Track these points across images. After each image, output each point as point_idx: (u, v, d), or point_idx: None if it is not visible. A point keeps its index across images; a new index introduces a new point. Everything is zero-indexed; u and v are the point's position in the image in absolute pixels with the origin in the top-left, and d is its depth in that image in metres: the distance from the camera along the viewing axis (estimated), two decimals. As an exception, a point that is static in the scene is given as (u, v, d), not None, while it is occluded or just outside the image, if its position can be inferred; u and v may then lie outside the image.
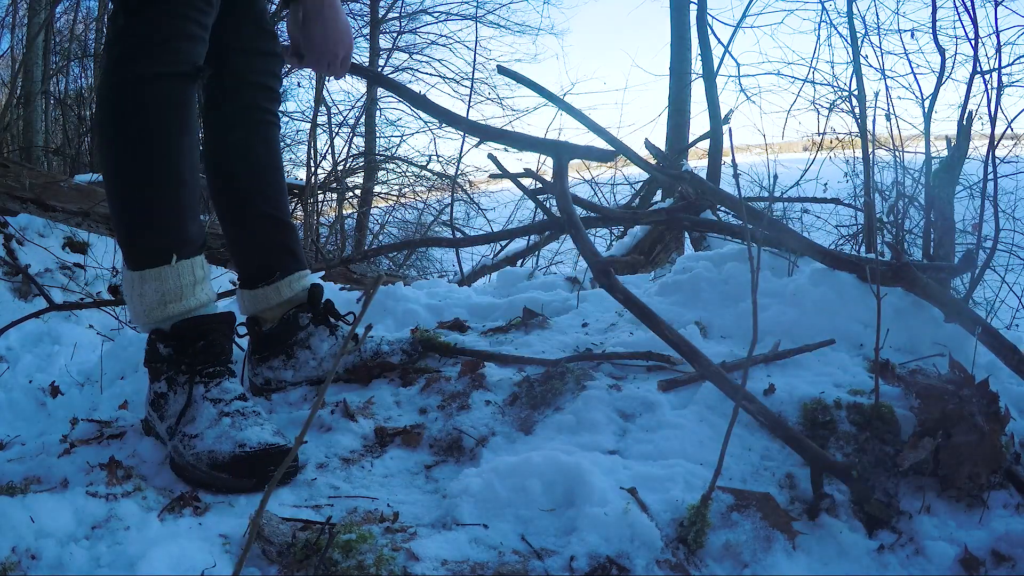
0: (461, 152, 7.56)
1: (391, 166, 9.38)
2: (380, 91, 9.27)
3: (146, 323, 1.27)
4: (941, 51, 2.65)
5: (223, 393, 1.23)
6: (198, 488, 1.13)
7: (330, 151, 6.50)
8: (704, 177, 3.96)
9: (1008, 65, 2.94)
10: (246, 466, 1.13)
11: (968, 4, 2.42)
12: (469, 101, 8.26)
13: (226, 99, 1.51)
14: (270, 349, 1.56)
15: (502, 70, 1.95)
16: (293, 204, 6.53)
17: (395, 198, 9.45)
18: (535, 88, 1.92)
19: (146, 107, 1.20)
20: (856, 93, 3.14)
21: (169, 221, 1.25)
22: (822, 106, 4.43)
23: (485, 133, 1.95)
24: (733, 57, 5.85)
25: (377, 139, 9.87)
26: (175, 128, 1.23)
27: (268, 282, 1.55)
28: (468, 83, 9.12)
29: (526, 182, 2.30)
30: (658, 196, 4.95)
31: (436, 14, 10.57)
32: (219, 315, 1.31)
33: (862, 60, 3.23)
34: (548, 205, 2.59)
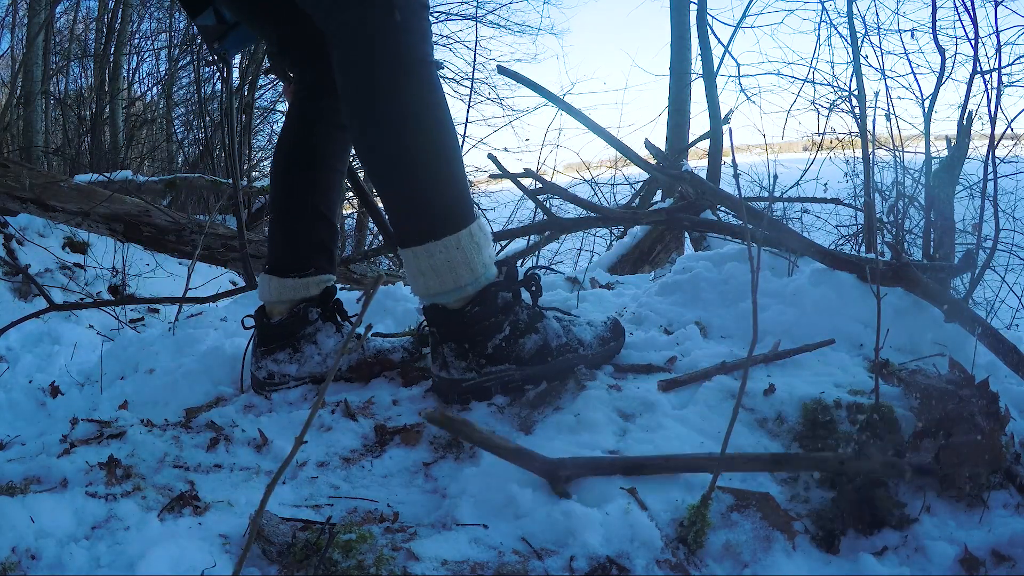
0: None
1: (391, 166, 9.36)
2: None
3: (472, 279, 1.34)
4: (941, 51, 2.65)
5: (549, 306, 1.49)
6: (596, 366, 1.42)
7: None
8: (704, 177, 3.96)
9: (1008, 65, 2.95)
10: (616, 330, 1.49)
11: (968, 4, 2.42)
12: (469, 101, 8.25)
13: (327, 95, 1.57)
14: (277, 341, 1.58)
15: (502, 70, 1.95)
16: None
17: (395, 198, 9.43)
18: (535, 88, 1.92)
19: (438, 83, 1.34)
20: (856, 93, 3.14)
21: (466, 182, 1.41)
22: (822, 106, 4.43)
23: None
24: (733, 57, 5.86)
25: (377, 139, 9.86)
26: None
27: (301, 275, 1.59)
28: (468, 83, 9.12)
29: (526, 182, 2.29)
30: (658, 196, 4.95)
31: (436, 14, 10.56)
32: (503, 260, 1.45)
33: (862, 60, 3.23)
34: (548, 205, 2.58)
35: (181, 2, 1.73)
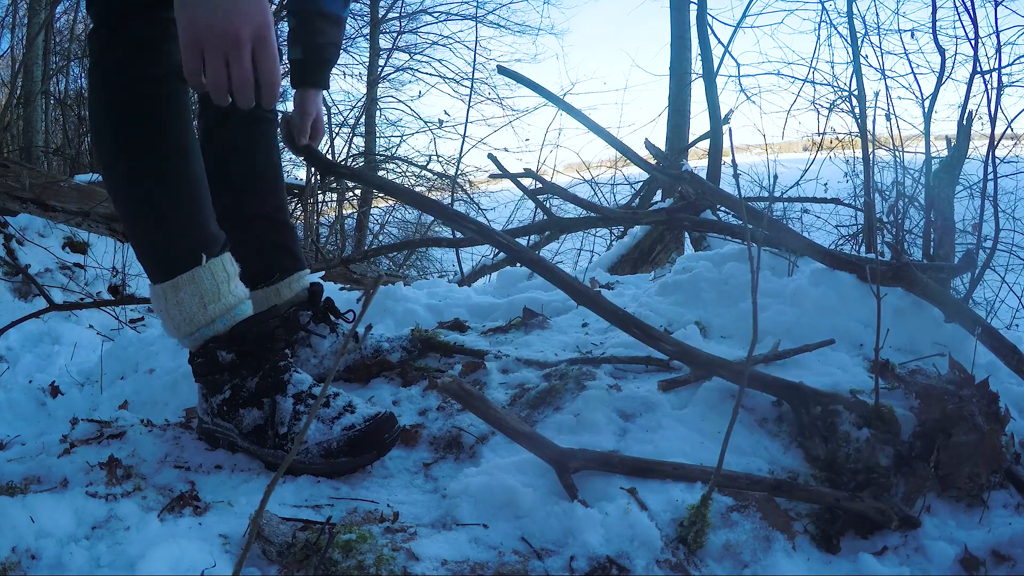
0: (461, 152, 7.57)
1: (391, 166, 9.38)
2: (380, 91, 9.28)
3: (189, 332, 1.22)
4: (941, 51, 2.65)
5: (300, 384, 1.24)
6: (319, 476, 1.16)
7: (330, 151, 6.50)
8: (704, 177, 3.96)
9: (1008, 65, 2.94)
10: (363, 443, 1.16)
11: (968, 4, 2.42)
12: (469, 101, 8.25)
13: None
14: None
15: (502, 70, 1.95)
16: (293, 204, 6.52)
17: (395, 198, 9.45)
18: (535, 88, 1.92)
19: (159, 105, 1.18)
20: (856, 93, 3.14)
21: (193, 220, 1.22)
22: (822, 106, 4.43)
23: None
24: (733, 57, 5.85)
25: (377, 139, 9.87)
26: (186, 125, 1.21)
27: (268, 283, 1.54)
28: (468, 83, 9.12)
29: (526, 182, 2.29)
30: (658, 196, 4.95)
31: (436, 14, 10.56)
32: (269, 311, 1.29)
33: (862, 60, 3.23)
34: (548, 205, 2.58)
35: None
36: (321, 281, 1.66)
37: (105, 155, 1.19)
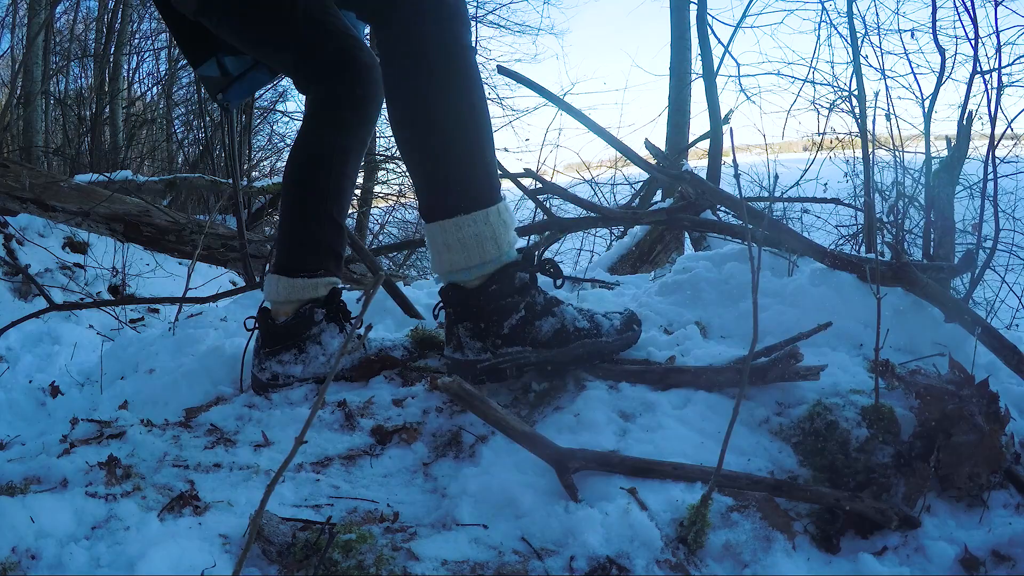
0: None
1: (391, 166, 9.38)
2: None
3: (507, 250, 1.37)
4: (941, 51, 2.65)
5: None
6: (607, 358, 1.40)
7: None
8: (704, 177, 3.96)
9: (1008, 65, 2.94)
10: (633, 321, 1.48)
11: (968, 4, 2.42)
12: (469, 101, 8.24)
13: (351, 107, 1.61)
14: (282, 342, 1.58)
15: (502, 70, 1.95)
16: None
17: (395, 198, 9.45)
18: (535, 88, 1.92)
19: (477, 67, 1.40)
20: (856, 93, 3.14)
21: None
22: (822, 106, 4.43)
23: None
24: (733, 57, 5.86)
25: (377, 139, 9.88)
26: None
27: (311, 275, 1.60)
28: (468, 83, 9.10)
29: (526, 182, 2.29)
30: (658, 196, 4.95)
31: (436, 14, 10.55)
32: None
33: (862, 60, 3.23)
34: (548, 205, 2.59)
35: (183, 52, 1.76)
36: (341, 288, 1.71)
37: (442, 95, 1.35)
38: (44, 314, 2.26)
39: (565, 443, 1.18)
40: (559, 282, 1.45)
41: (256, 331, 1.65)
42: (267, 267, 2.68)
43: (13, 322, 2.07)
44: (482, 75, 1.41)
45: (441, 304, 1.45)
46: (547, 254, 5.57)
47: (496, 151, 1.43)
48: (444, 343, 1.46)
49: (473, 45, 1.42)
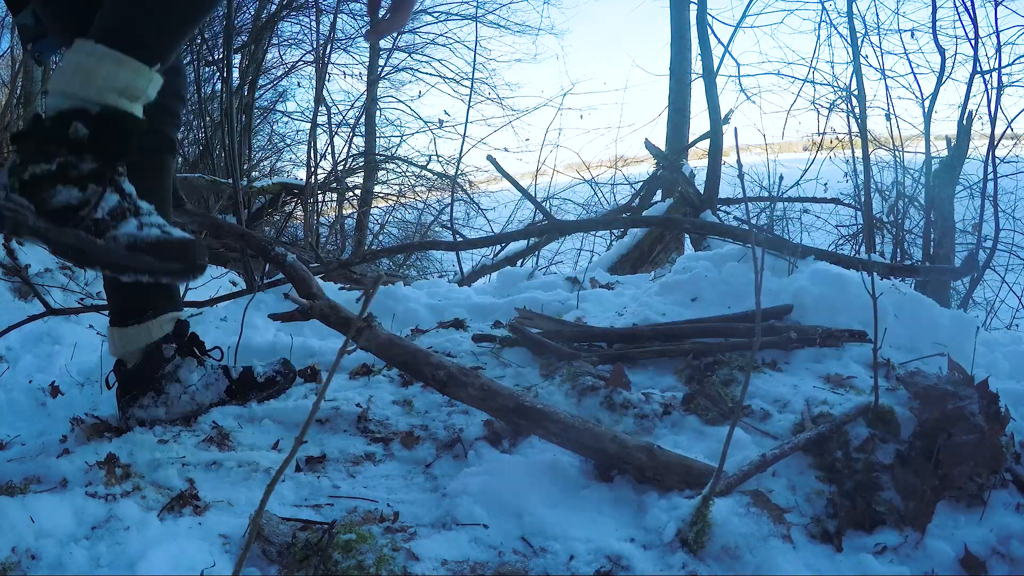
0: (461, 152, 7.56)
1: (391, 166, 9.38)
2: (380, 91, 9.28)
3: (92, 96, 1.12)
4: (941, 51, 2.65)
5: (130, 191, 1.18)
6: (106, 269, 1.11)
7: (330, 151, 6.49)
8: (705, 177, 3.96)
9: (1008, 65, 2.94)
10: (172, 252, 1.13)
11: (968, 4, 2.42)
12: (469, 101, 8.24)
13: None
14: (138, 386, 1.47)
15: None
16: (293, 204, 6.52)
17: (395, 198, 9.45)
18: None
19: None
20: (856, 93, 3.14)
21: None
22: (822, 106, 4.43)
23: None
24: (733, 57, 5.85)
25: (377, 139, 9.87)
26: None
27: (139, 321, 1.48)
28: (468, 83, 9.11)
29: (524, 183, 2.29)
30: (658, 196, 4.95)
31: (436, 14, 10.55)
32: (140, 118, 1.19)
33: (862, 60, 3.23)
34: (548, 206, 2.58)
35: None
36: (186, 320, 1.56)
37: None
38: (42, 317, 2.26)
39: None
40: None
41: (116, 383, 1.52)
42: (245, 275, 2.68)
43: (11, 326, 2.06)
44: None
45: None
46: (547, 254, 5.57)
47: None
48: None
49: None
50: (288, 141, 9.92)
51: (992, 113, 2.15)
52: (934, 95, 2.74)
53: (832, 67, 6.63)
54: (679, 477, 1.05)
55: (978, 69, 2.42)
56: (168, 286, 1.51)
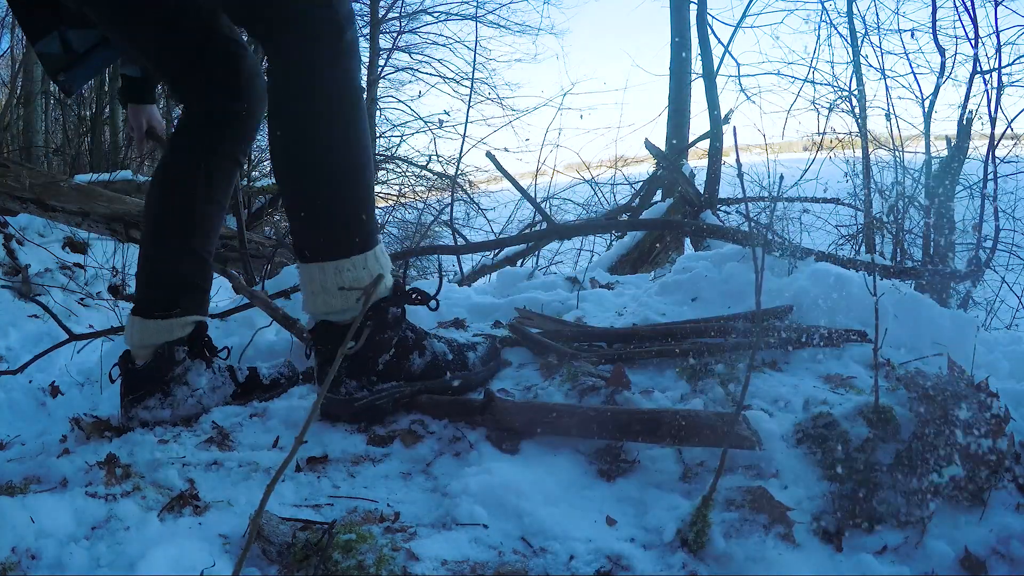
0: (461, 152, 7.58)
1: (391, 166, 9.39)
2: (380, 91, 9.28)
3: (382, 292, 1.36)
4: (941, 51, 2.66)
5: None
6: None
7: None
8: (705, 177, 3.96)
9: (1008, 65, 2.94)
10: (493, 354, 1.55)
11: (968, 4, 2.42)
12: (469, 101, 8.26)
13: (224, 125, 1.54)
14: (145, 387, 1.46)
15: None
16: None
17: (395, 198, 9.46)
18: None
19: (365, 109, 1.38)
20: (856, 93, 3.14)
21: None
22: (822, 106, 4.43)
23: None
24: (733, 57, 5.85)
25: (377, 139, 9.88)
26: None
27: (165, 315, 1.48)
28: (468, 83, 9.13)
29: (524, 183, 2.29)
30: (658, 196, 4.95)
31: (436, 14, 10.57)
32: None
33: (862, 60, 3.23)
34: (547, 207, 2.58)
35: (20, 23, 1.55)
36: (207, 320, 1.60)
37: (336, 135, 1.31)
38: (48, 319, 2.27)
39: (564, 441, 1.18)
40: (432, 304, 1.42)
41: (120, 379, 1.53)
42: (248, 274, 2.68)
43: (37, 355, 2.09)
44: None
45: (313, 343, 1.38)
46: (547, 254, 5.57)
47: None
48: (317, 381, 1.41)
49: (363, 86, 1.37)
50: (288, 141, 9.89)
51: (992, 113, 2.15)
52: (934, 95, 2.74)
53: (832, 67, 6.63)
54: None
55: (978, 69, 2.43)
56: (203, 288, 1.57)
